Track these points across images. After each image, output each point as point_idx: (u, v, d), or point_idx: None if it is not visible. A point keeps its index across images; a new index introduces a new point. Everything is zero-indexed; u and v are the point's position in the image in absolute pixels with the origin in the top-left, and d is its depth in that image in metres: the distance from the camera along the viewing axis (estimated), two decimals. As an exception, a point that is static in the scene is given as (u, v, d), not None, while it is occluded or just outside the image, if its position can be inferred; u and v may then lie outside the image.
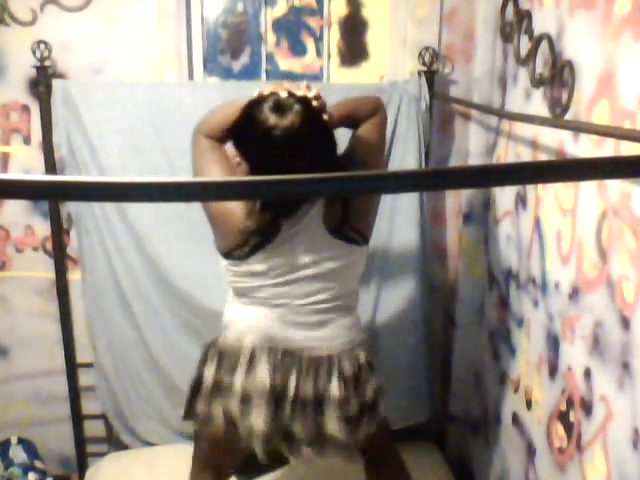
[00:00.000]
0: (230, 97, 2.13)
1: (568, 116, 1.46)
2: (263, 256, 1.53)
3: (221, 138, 1.57)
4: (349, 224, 1.53)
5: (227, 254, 1.56)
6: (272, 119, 1.40)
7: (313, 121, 1.44)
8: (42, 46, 1.98)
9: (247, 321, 1.60)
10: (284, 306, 1.57)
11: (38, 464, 2.30)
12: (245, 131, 1.46)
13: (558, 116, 1.50)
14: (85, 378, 2.33)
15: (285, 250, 1.53)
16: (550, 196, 1.60)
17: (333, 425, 1.54)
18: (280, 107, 1.41)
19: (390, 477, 1.82)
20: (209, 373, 1.58)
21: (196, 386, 1.62)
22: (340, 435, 1.55)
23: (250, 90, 2.24)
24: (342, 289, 1.59)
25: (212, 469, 1.72)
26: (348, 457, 1.63)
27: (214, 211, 1.55)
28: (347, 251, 1.56)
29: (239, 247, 1.52)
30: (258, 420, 1.52)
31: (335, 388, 1.54)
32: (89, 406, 2.35)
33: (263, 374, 1.53)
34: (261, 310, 1.58)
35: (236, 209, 1.51)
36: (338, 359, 1.57)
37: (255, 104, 1.44)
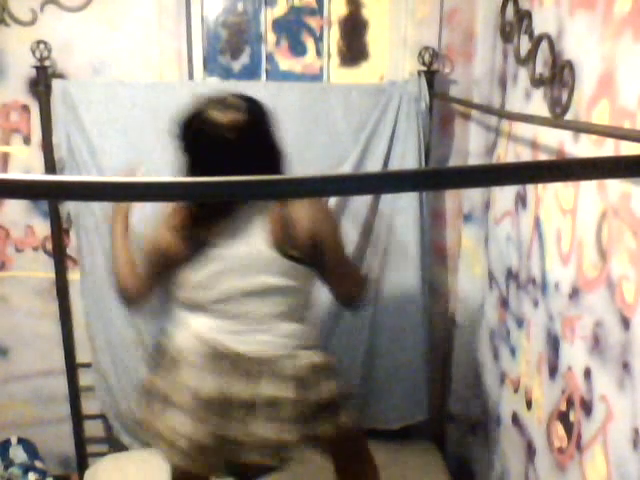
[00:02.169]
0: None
1: (568, 116, 1.46)
2: (203, 267, 1.51)
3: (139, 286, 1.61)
4: (290, 241, 1.50)
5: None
6: (208, 109, 1.45)
7: (247, 134, 1.46)
8: (42, 46, 1.97)
9: (184, 327, 1.58)
10: (222, 317, 1.54)
11: (38, 464, 2.30)
12: (186, 125, 1.49)
13: (558, 116, 1.50)
14: (85, 378, 2.33)
15: (226, 262, 1.51)
16: (550, 196, 1.60)
17: (259, 426, 1.50)
18: (223, 103, 1.46)
19: None
20: (158, 381, 1.59)
21: (147, 393, 1.63)
22: (269, 435, 1.50)
23: (250, 90, 2.25)
24: (286, 306, 1.56)
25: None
26: (294, 458, 1.58)
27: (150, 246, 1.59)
28: (291, 269, 1.52)
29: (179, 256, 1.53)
30: (189, 428, 1.49)
31: (264, 387, 1.51)
32: (89, 406, 2.35)
33: (191, 380, 1.51)
34: (199, 319, 1.56)
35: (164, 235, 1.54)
36: (275, 359, 1.53)
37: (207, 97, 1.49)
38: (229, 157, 1.43)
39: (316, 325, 1.68)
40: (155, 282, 1.61)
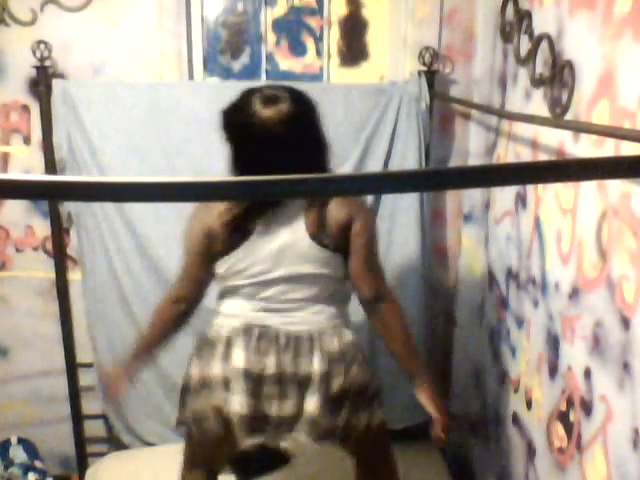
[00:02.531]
0: (230, 97, 2.13)
1: (568, 116, 1.46)
2: (244, 252, 1.55)
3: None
4: (326, 230, 1.54)
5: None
6: (255, 106, 1.46)
7: (293, 123, 1.47)
8: (42, 46, 1.97)
9: (225, 313, 1.62)
10: (263, 300, 1.58)
11: (38, 464, 2.30)
12: (230, 112, 1.51)
13: (558, 116, 1.50)
14: (85, 378, 2.33)
15: (266, 248, 1.54)
16: (550, 196, 1.60)
17: (312, 404, 1.52)
18: (268, 98, 1.47)
19: None
20: (194, 372, 1.59)
21: (184, 389, 1.62)
22: (318, 416, 1.52)
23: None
24: (324, 294, 1.59)
25: (203, 467, 1.71)
26: (327, 442, 1.58)
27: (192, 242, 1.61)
28: (328, 258, 1.56)
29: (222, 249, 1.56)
30: (236, 405, 1.51)
31: (317, 362, 1.52)
32: (89, 406, 2.35)
33: (237, 358, 1.53)
34: (241, 301, 1.60)
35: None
36: (319, 335, 1.56)
37: (250, 90, 1.51)
38: (276, 150, 1.46)
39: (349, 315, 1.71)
40: (203, 282, 1.64)
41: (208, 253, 1.58)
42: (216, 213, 1.54)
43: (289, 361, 1.53)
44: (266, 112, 1.45)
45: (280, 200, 1.52)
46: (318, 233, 1.54)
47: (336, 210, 1.54)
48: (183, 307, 1.64)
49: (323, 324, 1.58)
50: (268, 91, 1.49)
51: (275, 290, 1.57)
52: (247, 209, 1.53)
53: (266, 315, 1.58)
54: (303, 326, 1.57)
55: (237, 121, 1.50)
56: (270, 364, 1.52)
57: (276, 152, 1.45)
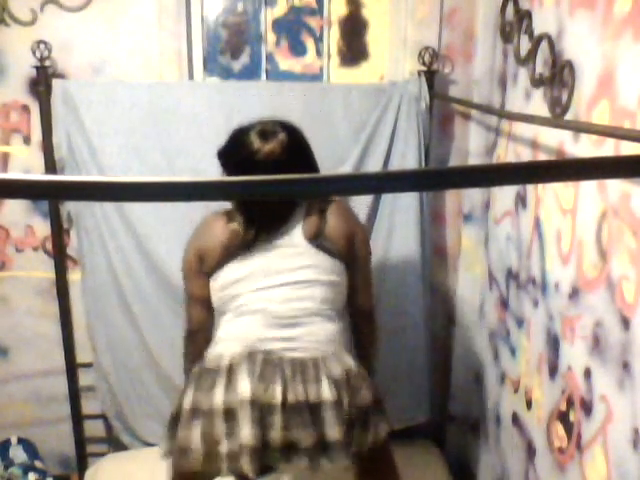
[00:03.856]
0: (230, 97, 2.13)
1: (568, 116, 1.46)
2: (241, 262, 1.56)
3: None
4: (325, 234, 1.58)
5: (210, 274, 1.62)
6: (256, 144, 1.54)
7: (294, 149, 1.56)
8: (42, 46, 1.97)
9: (225, 335, 1.59)
10: (262, 311, 1.56)
11: (38, 464, 2.30)
12: (231, 154, 1.59)
13: (558, 116, 1.50)
14: (85, 378, 2.33)
15: (264, 255, 1.56)
16: (550, 196, 1.60)
17: (332, 428, 1.48)
18: (265, 133, 1.55)
19: None
20: (187, 400, 1.52)
21: (174, 417, 1.56)
22: (341, 438, 1.48)
23: (250, 90, 2.25)
24: (323, 301, 1.58)
25: None
26: (344, 465, 1.54)
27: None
28: (327, 263, 1.58)
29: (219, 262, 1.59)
30: (246, 435, 1.44)
31: (327, 390, 1.49)
32: (89, 406, 2.35)
33: (243, 386, 1.47)
34: (240, 320, 1.58)
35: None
36: (324, 362, 1.54)
37: (242, 130, 1.59)
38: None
39: (347, 328, 1.71)
40: (206, 302, 1.65)
41: (203, 271, 1.61)
42: (210, 229, 1.59)
43: (298, 389, 1.49)
44: (268, 146, 1.54)
45: (280, 213, 1.58)
46: (316, 237, 1.57)
47: (335, 219, 1.60)
48: (204, 333, 1.64)
49: (325, 348, 1.56)
50: (262, 127, 1.57)
51: (275, 299, 1.55)
52: (247, 225, 1.57)
53: (267, 335, 1.54)
54: (307, 352, 1.54)
55: (240, 159, 1.56)
56: (277, 392, 1.47)
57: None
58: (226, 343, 1.58)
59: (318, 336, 1.57)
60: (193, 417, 1.50)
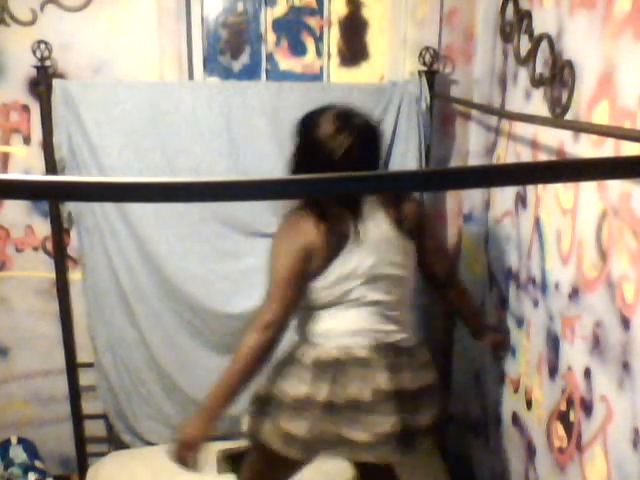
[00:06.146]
0: (230, 97, 2.13)
1: (568, 116, 1.46)
2: (346, 257, 1.58)
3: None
4: (403, 219, 1.64)
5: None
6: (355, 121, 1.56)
7: (367, 145, 1.59)
8: (42, 46, 1.97)
9: (342, 328, 1.61)
10: (374, 304, 1.61)
11: (38, 464, 2.30)
12: (309, 136, 1.58)
13: (558, 116, 1.50)
14: (85, 378, 2.33)
15: (363, 248, 1.59)
16: (550, 196, 1.60)
17: (429, 412, 1.63)
18: (349, 113, 1.57)
19: None
20: (300, 390, 1.57)
21: (274, 404, 1.60)
22: (430, 421, 1.63)
23: (250, 90, 2.24)
24: (411, 289, 1.69)
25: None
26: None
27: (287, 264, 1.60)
28: (409, 248, 1.65)
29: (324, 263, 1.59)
30: (387, 425, 1.55)
31: (430, 377, 1.66)
32: (89, 406, 2.35)
33: (382, 379, 1.56)
34: (354, 312, 1.61)
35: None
36: (418, 349, 1.68)
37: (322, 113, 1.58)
38: (371, 151, 1.60)
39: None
40: (294, 305, 1.63)
41: (307, 271, 1.58)
42: (308, 228, 1.57)
43: (416, 375, 1.63)
44: (360, 120, 1.57)
45: (359, 202, 1.61)
46: (400, 224, 1.63)
47: (408, 205, 1.66)
48: (272, 334, 1.58)
49: (412, 334, 1.69)
50: (343, 108, 1.59)
51: (380, 290, 1.61)
52: (341, 215, 1.59)
53: (385, 327, 1.62)
54: (410, 342, 1.66)
55: (314, 140, 1.56)
56: (406, 380, 1.60)
57: (371, 152, 1.59)
58: (352, 336, 1.61)
59: (411, 323, 1.70)
60: (323, 409, 1.56)
